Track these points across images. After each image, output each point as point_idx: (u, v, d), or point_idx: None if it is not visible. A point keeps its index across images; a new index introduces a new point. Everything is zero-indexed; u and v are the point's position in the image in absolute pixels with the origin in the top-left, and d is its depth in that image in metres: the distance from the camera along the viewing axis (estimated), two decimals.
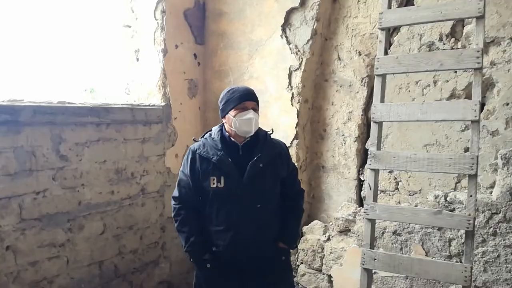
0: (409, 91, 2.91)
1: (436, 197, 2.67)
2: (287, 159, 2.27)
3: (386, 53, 2.52)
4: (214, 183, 2.08)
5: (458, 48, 2.72)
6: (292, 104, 3.23)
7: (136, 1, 3.29)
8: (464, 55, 2.26)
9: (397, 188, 2.97)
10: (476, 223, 2.45)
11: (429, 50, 2.82)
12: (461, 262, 2.51)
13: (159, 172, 3.13)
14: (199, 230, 2.16)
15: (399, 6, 2.88)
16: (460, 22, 2.74)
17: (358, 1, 3.11)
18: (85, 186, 2.60)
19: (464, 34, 2.74)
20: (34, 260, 2.34)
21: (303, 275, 3.20)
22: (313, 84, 3.31)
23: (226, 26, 3.47)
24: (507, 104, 2.58)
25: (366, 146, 3.11)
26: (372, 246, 2.38)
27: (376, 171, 2.42)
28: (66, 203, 2.49)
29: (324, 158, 3.32)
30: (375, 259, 2.32)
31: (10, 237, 2.22)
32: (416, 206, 2.74)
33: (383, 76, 2.48)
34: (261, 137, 2.19)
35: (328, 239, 3.10)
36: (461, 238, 2.57)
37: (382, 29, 2.52)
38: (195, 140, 2.25)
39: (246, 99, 2.11)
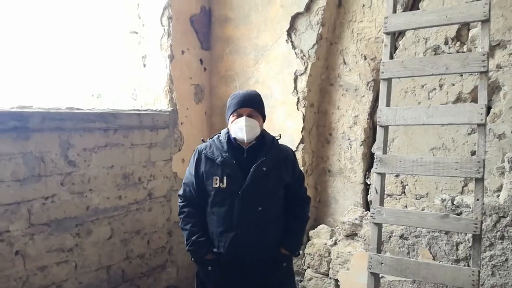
0: (415, 95, 2.91)
1: (443, 200, 2.66)
2: (293, 165, 2.27)
3: (391, 57, 2.52)
4: (216, 183, 2.11)
5: (464, 52, 2.72)
6: (297, 109, 3.24)
7: (142, 7, 3.32)
8: (469, 59, 2.26)
9: (404, 192, 2.97)
10: (483, 227, 2.44)
11: (435, 54, 2.83)
12: (468, 266, 2.49)
13: (165, 177, 3.15)
14: (202, 229, 2.18)
15: (404, 11, 2.89)
16: (465, 26, 2.75)
17: (363, 6, 3.12)
18: (93, 191, 2.62)
19: (469, 37, 2.75)
20: (42, 265, 2.36)
21: (310, 279, 3.20)
22: (318, 88, 3.32)
23: (232, 31, 3.50)
24: None
25: (372, 150, 3.11)
26: (379, 250, 2.38)
27: (382, 175, 2.43)
28: (74, 208, 2.52)
29: (330, 162, 3.32)
30: (382, 263, 2.32)
31: (19, 242, 2.24)
32: (423, 210, 2.73)
33: (389, 80, 2.49)
34: (268, 142, 2.21)
35: (335, 243, 3.10)
36: (469, 242, 2.56)
37: (387, 33, 2.53)
38: (203, 141, 2.29)
39: (241, 105, 2.13)
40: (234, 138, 2.17)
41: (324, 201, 3.36)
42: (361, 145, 3.17)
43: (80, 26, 3.30)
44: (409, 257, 2.72)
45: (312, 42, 3.17)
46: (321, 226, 3.22)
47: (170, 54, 3.23)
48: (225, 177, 2.10)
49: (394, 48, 2.86)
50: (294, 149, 3.07)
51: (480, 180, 2.15)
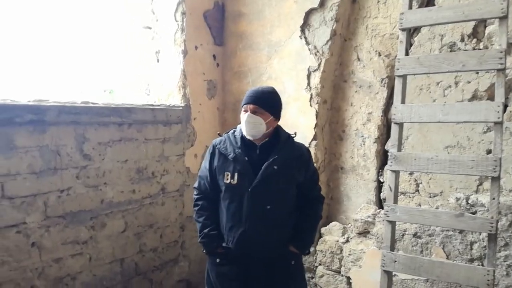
0: (430, 92, 2.88)
1: (457, 199, 2.64)
2: (307, 164, 2.23)
3: (406, 53, 2.50)
4: (227, 179, 2.12)
5: (480, 49, 2.68)
6: (310, 105, 3.23)
7: (156, 2, 3.33)
8: (486, 56, 2.23)
9: (418, 190, 2.94)
10: (498, 226, 2.41)
11: (451, 51, 2.79)
12: (482, 265, 2.47)
13: (178, 172, 3.17)
14: (214, 223, 2.20)
15: (419, 7, 2.86)
16: (482, 23, 2.71)
17: (378, 2, 3.09)
18: (107, 185, 2.65)
19: (486, 34, 2.70)
20: (58, 257, 2.39)
21: (321, 276, 3.20)
22: (332, 84, 3.31)
23: (245, 27, 3.49)
24: None
25: (386, 148, 3.09)
26: (392, 248, 2.37)
27: (396, 173, 2.41)
28: (89, 201, 2.55)
29: (343, 159, 3.31)
30: (395, 261, 2.31)
31: (35, 234, 2.28)
32: (437, 208, 2.71)
33: (404, 77, 2.47)
34: (282, 139, 2.19)
35: (347, 241, 3.09)
36: (483, 241, 2.54)
37: (403, 29, 2.50)
38: (219, 135, 2.29)
39: (247, 101, 2.13)
40: None
41: (336, 198, 3.35)
42: (374, 142, 3.15)
43: (94, 21, 3.33)
44: (422, 256, 2.70)
45: (326, 38, 3.16)
46: (333, 223, 3.21)
47: (184, 50, 3.24)
48: (236, 174, 2.11)
49: (409, 45, 2.83)
50: (307, 145, 3.05)
51: (496, 179, 2.13)
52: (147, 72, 3.44)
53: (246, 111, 2.11)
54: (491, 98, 2.62)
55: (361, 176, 3.21)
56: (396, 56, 2.55)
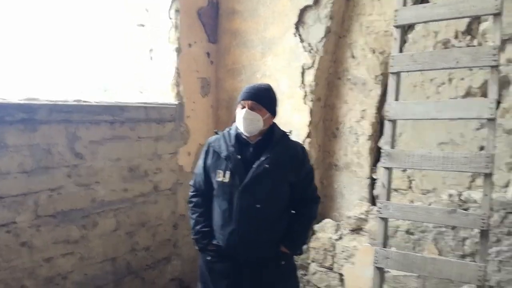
0: (424, 89, 2.88)
1: (450, 196, 2.64)
2: (301, 163, 2.19)
3: (401, 50, 2.49)
4: (220, 177, 2.11)
5: (474, 46, 2.68)
6: (304, 103, 3.22)
7: (150, 0, 3.31)
8: (480, 53, 2.22)
9: (410, 187, 2.94)
10: (490, 222, 2.41)
11: (445, 48, 2.79)
12: (474, 261, 2.48)
13: (171, 170, 3.15)
14: (207, 220, 2.20)
15: (414, 4, 2.85)
16: (476, 19, 2.71)
17: None
18: (99, 184, 2.63)
19: (480, 31, 2.70)
20: (48, 256, 2.37)
21: (314, 273, 3.20)
22: (326, 82, 3.30)
23: (239, 24, 3.48)
24: None
25: (379, 145, 3.09)
26: (385, 245, 2.37)
27: (390, 170, 2.40)
28: (81, 200, 2.52)
29: (336, 157, 3.31)
30: (388, 258, 2.31)
31: (26, 233, 2.25)
32: (429, 205, 2.71)
33: (398, 74, 2.46)
34: (276, 138, 2.16)
35: (340, 238, 3.09)
36: (475, 237, 2.54)
37: (397, 26, 2.49)
38: (216, 133, 2.27)
39: (244, 97, 2.11)
40: (242, 132, 2.15)
41: (330, 195, 3.35)
42: (368, 139, 3.15)
43: (87, 19, 3.30)
44: (415, 252, 2.70)
45: (320, 36, 3.15)
46: (327, 220, 3.21)
47: (178, 47, 3.22)
48: (228, 172, 2.09)
49: (403, 42, 2.83)
50: (300, 142, 3.05)
51: (488, 176, 2.13)
52: (141, 70, 3.41)
53: (243, 107, 2.09)
54: (484, 95, 2.63)
55: (354, 173, 3.21)
56: (390, 53, 2.55)
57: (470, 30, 2.75)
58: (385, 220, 2.38)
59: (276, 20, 3.30)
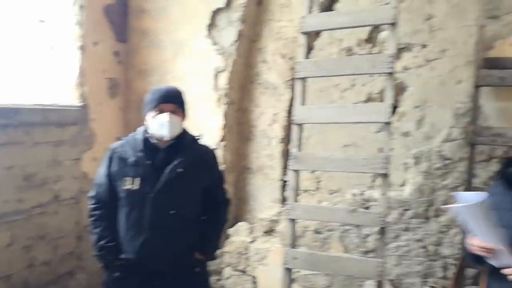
0: (329, 94, 3.01)
1: (354, 195, 2.79)
2: (213, 167, 2.18)
3: (307, 57, 2.58)
4: (128, 185, 1.99)
5: (374, 53, 2.86)
6: (218, 106, 3.20)
7: None
8: (378, 60, 2.36)
9: (319, 188, 3.06)
10: (389, 220, 2.59)
11: (348, 55, 2.94)
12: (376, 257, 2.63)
13: (74, 178, 2.94)
14: (111, 234, 2.05)
15: (320, 11, 2.97)
16: (376, 29, 2.88)
17: (282, 5, 3.15)
18: None
19: (380, 40, 2.88)
20: None
21: (228, 278, 3.18)
22: (239, 85, 3.31)
23: (149, 24, 3.36)
24: (418, 107, 2.75)
25: (289, 148, 3.17)
26: (293, 245, 2.42)
27: (297, 172, 2.47)
28: None
29: (250, 160, 3.33)
30: (296, 258, 2.36)
31: None
32: (335, 204, 2.84)
33: (304, 80, 2.54)
34: (187, 141, 2.11)
35: (254, 240, 3.11)
36: (377, 234, 2.70)
37: (303, 33, 2.57)
38: (119, 139, 2.15)
39: (163, 101, 2.03)
40: (151, 137, 2.06)
41: (244, 198, 3.36)
42: (280, 142, 3.21)
43: None
44: (323, 251, 2.81)
45: (233, 39, 3.15)
46: (240, 223, 3.22)
47: (82, 45, 3.02)
48: (137, 178, 1.99)
49: (310, 48, 2.93)
50: (215, 147, 3.03)
51: (385, 176, 2.27)
52: (41, 69, 3.14)
53: (160, 111, 2.00)
54: (383, 100, 2.80)
55: (267, 176, 3.26)
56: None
57: (371, 39, 2.92)
58: (293, 221, 2.43)
59: (188, 21, 3.24)
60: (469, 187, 2.36)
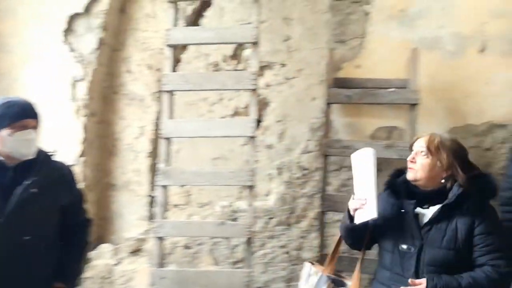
0: (198, 107, 3.02)
1: (223, 207, 2.84)
2: (70, 185, 1.99)
3: (174, 69, 2.56)
4: None
5: (239, 70, 2.97)
6: (77, 118, 2.95)
7: None
8: (242, 77, 2.48)
9: (189, 202, 3.03)
10: (256, 229, 2.69)
11: (215, 70, 2.99)
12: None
13: None
14: None
15: (187, 25, 2.98)
16: (240, 46, 3.00)
17: (147, 15, 3.08)
18: None
19: (244, 57, 3.01)
20: None
21: None
22: (101, 96, 3.11)
23: None
24: (280, 121, 2.92)
25: (155, 162, 3.09)
26: (161, 264, 2.35)
27: (165, 188, 2.42)
28: None
29: (114, 176, 3.14)
30: (164, 278, 2.30)
31: None
32: (206, 217, 2.85)
33: (171, 93, 2.51)
34: (40, 158, 1.89)
35: (119, 262, 2.93)
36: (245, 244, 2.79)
37: (169, 46, 2.55)
38: None
39: (26, 116, 1.79)
40: None
41: (108, 218, 3.14)
42: (148, 156, 3.10)
43: None
44: (193, 266, 2.78)
45: (93, 47, 2.96)
46: (104, 245, 2.99)
47: None
48: None
49: (177, 61, 2.91)
50: (73, 162, 2.78)
51: (251, 188, 2.37)
52: None
53: (23, 127, 1.76)
54: (249, 114, 2.92)
55: (134, 192, 3.11)
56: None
57: (236, 55, 3.03)
58: (161, 239, 2.36)
59: (41, 25, 2.95)
60: (324, 195, 2.59)
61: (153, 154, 3.12)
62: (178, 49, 2.87)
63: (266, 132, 2.94)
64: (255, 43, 2.52)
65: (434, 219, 1.64)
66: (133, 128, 3.12)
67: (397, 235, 1.70)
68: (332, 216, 2.72)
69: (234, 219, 2.75)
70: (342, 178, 2.79)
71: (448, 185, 1.67)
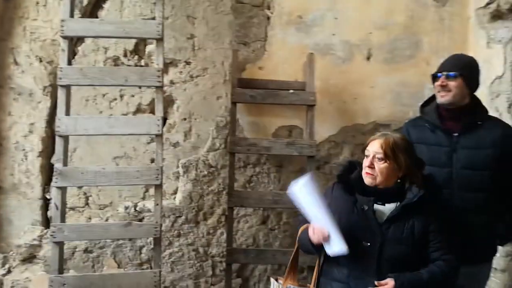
0: (97, 103, 2.86)
1: (126, 208, 2.74)
2: None
3: (70, 63, 2.41)
4: None
5: (142, 66, 2.88)
6: None
7: None
8: (146, 73, 2.42)
9: (88, 204, 2.86)
10: (163, 228, 2.65)
11: (115, 65, 2.86)
12: (151, 267, 2.66)
13: None
14: None
15: (82, 17, 2.80)
16: (143, 41, 2.91)
17: (37, 3, 2.83)
18: None
19: (146, 53, 2.92)
20: None
21: None
22: None
23: None
24: (185, 119, 2.91)
25: (52, 162, 2.86)
26: (61, 270, 2.20)
27: (63, 189, 2.27)
28: None
29: (1, 177, 2.83)
30: (64, 284, 2.15)
31: None
32: (107, 220, 2.72)
33: (68, 87, 2.36)
34: None
35: (9, 272, 2.67)
36: (151, 244, 2.73)
37: (64, 37, 2.39)
38: None
39: None
40: None
41: None
42: (38, 156, 2.85)
43: None
44: (95, 270, 2.65)
45: None
46: None
47: None
48: None
49: (73, 54, 2.73)
50: None
51: (158, 186, 2.33)
52: None
53: None
54: (153, 111, 2.84)
55: (24, 195, 2.84)
56: (59, 64, 2.40)
57: (138, 50, 2.93)
58: (60, 244, 2.21)
59: None
60: (231, 191, 2.65)
61: (45, 153, 2.88)
62: (73, 41, 2.69)
63: (171, 130, 2.91)
64: (159, 39, 2.48)
65: (394, 217, 1.67)
66: (22, 125, 2.84)
67: (355, 232, 1.65)
68: (239, 211, 2.81)
69: (141, 220, 2.68)
70: (248, 175, 2.89)
71: (406, 184, 1.72)
